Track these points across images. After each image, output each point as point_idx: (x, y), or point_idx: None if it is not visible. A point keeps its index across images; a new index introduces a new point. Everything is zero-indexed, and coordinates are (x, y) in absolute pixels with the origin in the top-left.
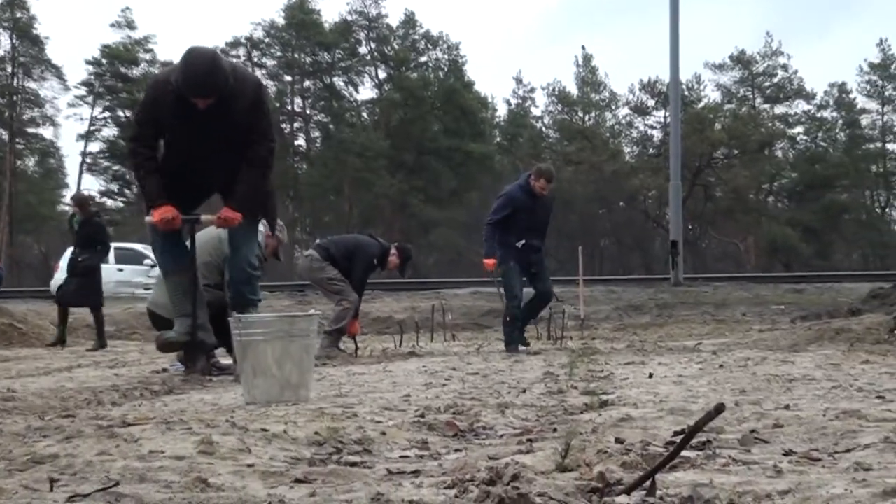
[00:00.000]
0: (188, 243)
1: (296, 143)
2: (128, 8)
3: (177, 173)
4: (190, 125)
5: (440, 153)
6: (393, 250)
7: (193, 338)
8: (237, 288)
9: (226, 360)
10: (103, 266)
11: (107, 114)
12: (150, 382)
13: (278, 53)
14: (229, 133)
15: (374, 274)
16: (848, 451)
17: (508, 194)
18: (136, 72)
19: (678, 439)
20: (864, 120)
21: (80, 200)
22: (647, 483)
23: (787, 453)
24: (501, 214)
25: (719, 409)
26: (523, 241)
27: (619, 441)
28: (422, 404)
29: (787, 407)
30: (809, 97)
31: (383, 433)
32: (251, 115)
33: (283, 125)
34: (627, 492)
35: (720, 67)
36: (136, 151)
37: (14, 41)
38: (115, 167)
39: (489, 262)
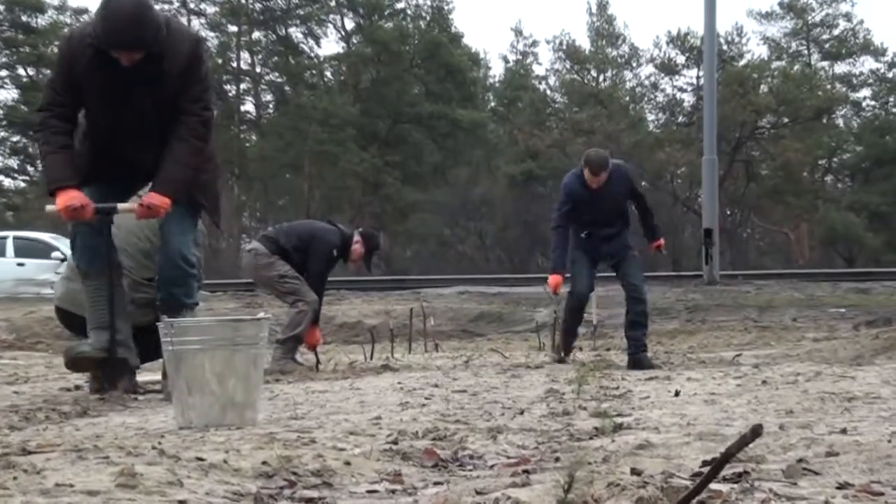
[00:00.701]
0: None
1: (242, 108)
2: None
3: (99, 152)
4: (113, 89)
5: (421, 121)
6: (356, 237)
7: (111, 354)
8: (168, 290)
9: (153, 376)
10: None
11: (5, 73)
12: (59, 402)
13: None
14: (161, 100)
15: (337, 270)
16: None
17: (565, 187)
18: (41, 21)
19: (707, 470)
20: None
21: None
22: None
23: (842, 486)
24: (563, 212)
25: (756, 431)
26: (587, 233)
27: (635, 472)
28: (395, 428)
29: (843, 431)
30: (878, 53)
31: (347, 463)
32: (185, 77)
33: (227, 87)
34: None
35: (767, 16)
36: (46, 123)
37: None
38: (15, 138)
39: (554, 279)
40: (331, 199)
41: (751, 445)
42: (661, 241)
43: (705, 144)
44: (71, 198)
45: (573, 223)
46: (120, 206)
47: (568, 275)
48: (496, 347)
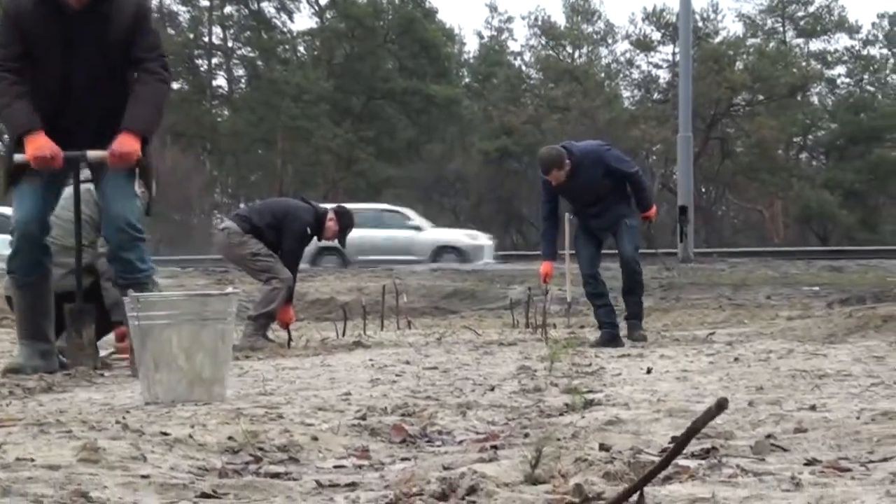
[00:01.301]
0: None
1: (214, 83)
2: None
3: (49, 109)
4: (62, 38)
5: (395, 97)
6: (330, 215)
7: (48, 366)
8: (120, 256)
9: (103, 352)
10: None
11: None
12: (23, 378)
13: None
14: (110, 50)
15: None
16: (885, 459)
17: (541, 181)
18: None
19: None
20: None
21: None
22: (635, 497)
23: (810, 462)
24: (545, 205)
25: (721, 405)
26: (577, 212)
27: (603, 448)
28: (365, 404)
29: (812, 407)
30: (853, 30)
31: (314, 438)
32: (133, 31)
33: (199, 61)
34: None
35: None
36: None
37: None
38: None
39: (545, 267)
40: (304, 174)
41: (720, 422)
42: (651, 211)
43: (680, 121)
44: (40, 147)
45: (569, 207)
46: (90, 153)
47: (564, 260)
48: (469, 325)
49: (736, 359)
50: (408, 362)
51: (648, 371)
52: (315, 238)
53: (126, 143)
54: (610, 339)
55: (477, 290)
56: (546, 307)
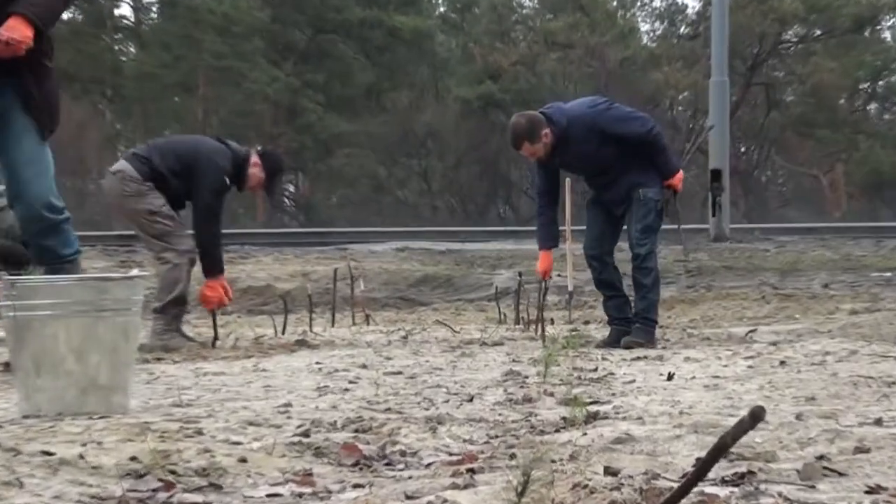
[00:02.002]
0: None
1: (117, 12)
2: None
3: None
4: None
5: (349, 31)
6: (253, 158)
7: None
8: (40, 244)
9: None
10: None
11: None
12: None
13: None
14: None
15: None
16: None
17: None
18: None
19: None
20: None
21: None
22: None
23: (872, 490)
24: (538, 178)
25: (757, 415)
26: (586, 182)
27: (609, 472)
28: (308, 417)
29: (878, 422)
30: None
31: (242, 460)
32: None
33: None
34: None
35: None
36: None
37: None
38: None
39: (543, 262)
40: (232, 127)
41: (759, 439)
42: (676, 178)
43: (713, 63)
44: None
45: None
46: None
47: (564, 238)
48: (444, 319)
49: (782, 362)
50: (364, 366)
51: (669, 377)
52: (236, 189)
53: (16, 28)
54: (620, 338)
55: (454, 276)
56: (541, 298)
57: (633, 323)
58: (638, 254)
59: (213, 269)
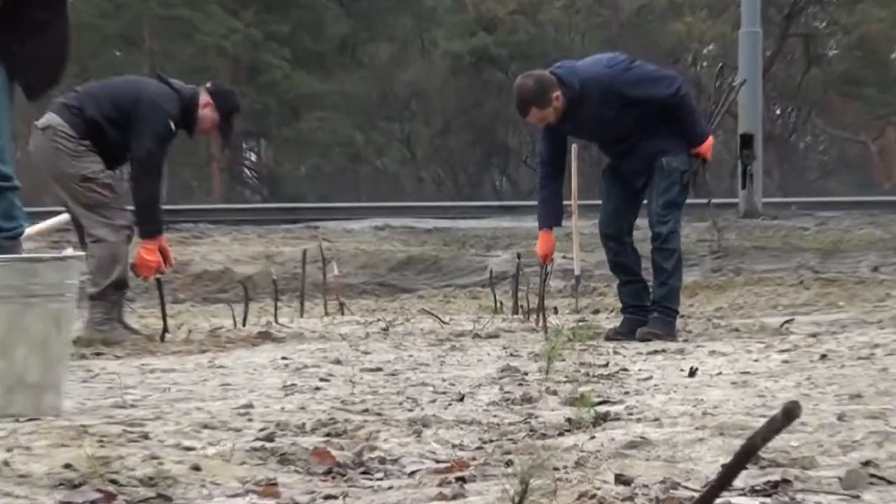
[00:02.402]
0: None
1: None
2: None
3: None
4: None
5: None
6: (204, 98)
7: None
8: None
9: None
10: None
11: None
12: None
13: None
14: None
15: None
16: None
17: None
18: None
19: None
20: None
21: None
22: None
23: None
24: (543, 144)
25: (791, 413)
26: (601, 149)
27: (621, 480)
28: (272, 420)
29: None
30: None
31: (195, 468)
32: None
33: None
34: None
35: None
36: None
37: None
38: None
39: (541, 243)
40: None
41: (795, 443)
42: (704, 146)
43: (744, 11)
44: None
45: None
46: None
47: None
48: (430, 308)
49: (823, 356)
50: (338, 362)
51: (692, 373)
52: (186, 133)
53: None
54: (634, 328)
55: (442, 259)
56: (543, 283)
57: (650, 312)
58: (659, 233)
59: (151, 228)
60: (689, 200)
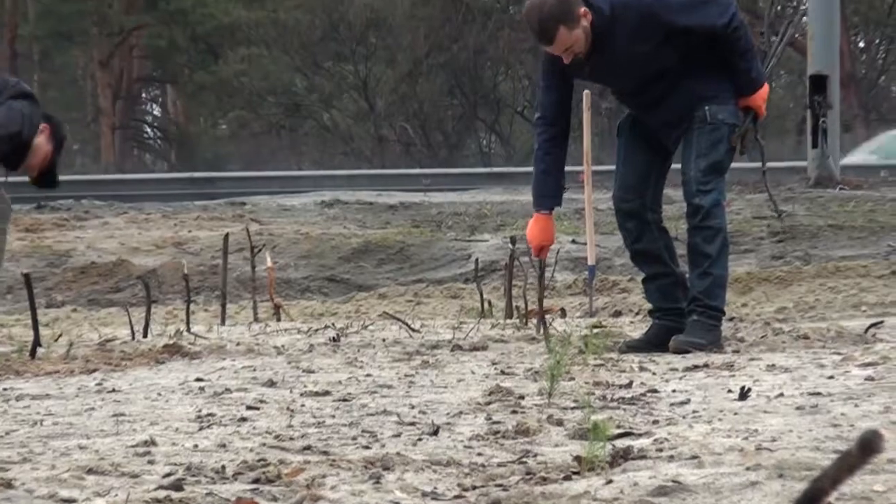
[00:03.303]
0: None
1: None
2: None
3: None
4: None
5: None
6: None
7: None
8: None
9: None
10: None
11: None
12: None
13: None
14: None
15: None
16: None
17: (542, 59)
18: None
19: None
20: None
21: None
22: None
23: None
24: (542, 99)
25: (869, 445)
26: (621, 99)
27: None
28: (181, 461)
29: None
30: None
31: None
32: None
33: None
34: None
35: None
36: None
37: None
38: None
39: (535, 228)
40: (62, 20)
41: (879, 486)
42: (758, 95)
43: None
44: None
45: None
46: None
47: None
48: (396, 311)
49: None
50: (272, 384)
51: (743, 395)
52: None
53: None
54: (666, 337)
55: (411, 245)
56: (545, 276)
57: (687, 314)
58: (698, 206)
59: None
60: (738, 164)
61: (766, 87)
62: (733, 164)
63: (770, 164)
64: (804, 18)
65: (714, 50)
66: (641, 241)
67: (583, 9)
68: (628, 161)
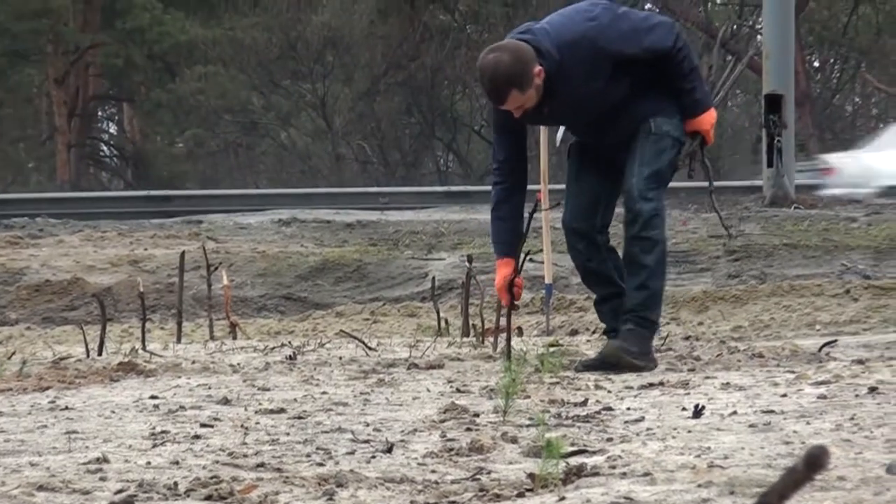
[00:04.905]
0: None
1: None
2: None
3: None
4: None
5: None
6: None
7: None
8: None
9: None
10: None
11: None
12: None
13: None
14: None
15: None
16: None
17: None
18: None
19: None
20: None
21: None
22: None
23: None
24: (497, 156)
25: (814, 462)
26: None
27: None
28: (133, 478)
29: None
30: None
31: None
32: None
33: None
34: None
35: None
36: None
37: None
38: None
39: (500, 276)
40: (20, 37)
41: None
42: (704, 118)
43: None
44: None
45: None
46: None
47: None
48: (352, 329)
49: (873, 389)
50: (227, 401)
51: (697, 413)
52: None
53: None
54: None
55: (368, 263)
56: (509, 312)
57: (622, 322)
58: (639, 212)
59: None
60: (696, 182)
61: (712, 112)
62: (691, 183)
63: (725, 184)
64: (759, 38)
65: (659, 72)
66: (592, 262)
67: (537, 68)
68: (578, 184)
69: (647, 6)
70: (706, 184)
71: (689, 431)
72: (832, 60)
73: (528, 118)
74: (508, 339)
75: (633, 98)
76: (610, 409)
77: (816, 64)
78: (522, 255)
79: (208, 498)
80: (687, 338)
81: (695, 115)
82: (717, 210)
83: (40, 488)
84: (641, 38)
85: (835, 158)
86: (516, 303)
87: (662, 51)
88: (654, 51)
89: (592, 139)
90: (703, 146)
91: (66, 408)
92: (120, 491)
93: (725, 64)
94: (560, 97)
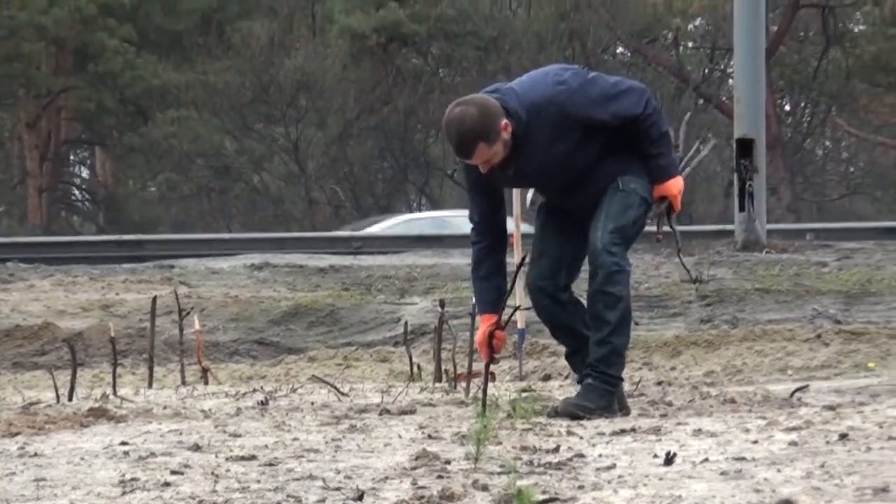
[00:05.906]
0: None
1: None
2: None
3: None
4: None
5: None
6: None
7: None
8: None
9: None
10: None
11: None
12: None
13: None
14: None
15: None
16: None
17: (463, 168)
18: None
19: None
20: None
21: None
22: None
23: None
24: (476, 216)
25: None
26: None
27: None
28: None
29: None
30: None
31: None
32: None
33: None
34: None
35: None
36: None
37: None
38: None
39: (482, 331)
40: None
41: None
42: (670, 184)
43: None
44: None
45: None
46: None
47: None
48: (325, 375)
49: (844, 436)
50: (197, 448)
51: (669, 460)
52: None
53: None
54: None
55: (340, 308)
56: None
57: (582, 377)
58: (602, 265)
59: None
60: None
61: (679, 180)
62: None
63: (697, 228)
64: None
65: (628, 136)
66: (559, 318)
67: (504, 121)
68: (543, 244)
69: (619, 50)
70: (681, 228)
71: (661, 479)
72: (803, 104)
73: (495, 179)
74: (485, 391)
75: (602, 161)
76: (582, 455)
77: (787, 108)
78: (508, 310)
79: None
80: (659, 383)
81: (661, 181)
82: (685, 266)
83: None
84: (610, 104)
85: None
86: (496, 356)
87: (631, 117)
88: (623, 117)
89: (561, 202)
90: (671, 212)
91: (36, 454)
92: None
93: (698, 109)
94: (526, 158)
